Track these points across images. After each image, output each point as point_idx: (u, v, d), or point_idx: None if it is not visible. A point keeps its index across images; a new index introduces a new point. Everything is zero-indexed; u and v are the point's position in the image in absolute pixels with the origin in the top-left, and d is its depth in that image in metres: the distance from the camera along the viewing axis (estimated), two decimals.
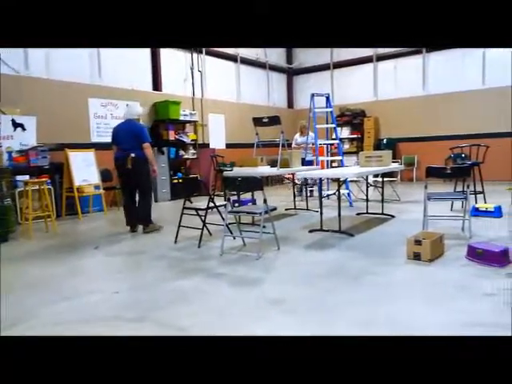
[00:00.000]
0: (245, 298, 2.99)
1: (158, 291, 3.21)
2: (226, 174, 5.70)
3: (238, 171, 5.67)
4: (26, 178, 6.51)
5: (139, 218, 5.59)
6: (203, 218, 4.75)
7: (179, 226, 4.91)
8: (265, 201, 4.22)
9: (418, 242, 3.65)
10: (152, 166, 5.54)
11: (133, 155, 5.28)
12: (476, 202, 6.07)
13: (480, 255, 3.55)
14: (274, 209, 4.46)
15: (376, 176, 8.15)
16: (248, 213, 4.42)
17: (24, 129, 7.29)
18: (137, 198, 5.66)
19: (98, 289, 3.30)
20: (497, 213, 5.52)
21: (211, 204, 4.69)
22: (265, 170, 5.75)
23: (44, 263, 4.19)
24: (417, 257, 3.66)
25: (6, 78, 7.10)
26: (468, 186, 4.69)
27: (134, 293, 3.21)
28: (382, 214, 6.08)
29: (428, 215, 4.56)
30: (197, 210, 4.93)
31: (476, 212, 5.59)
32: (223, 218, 4.53)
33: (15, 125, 7.15)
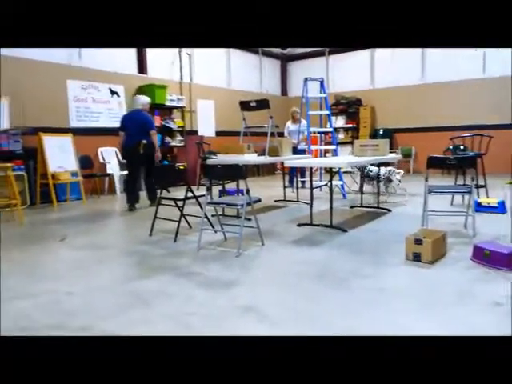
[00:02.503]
0: (213, 303, 2.54)
1: (116, 293, 2.76)
2: (209, 161, 5.26)
3: (222, 159, 5.21)
4: None
5: (150, 195, 6.32)
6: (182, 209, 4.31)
7: (155, 217, 4.46)
8: (247, 191, 3.78)
9: (418, 241, 3.23)
10: (156, 152, 6.14)
11: (144, 141, 5.96)
12: (478, 197, 5.66)
13: (487, 257, 3.13)
14: (258, 200, 4.02)
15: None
16: (228, 204, 3.97)
17: None
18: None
19: (49, 289, 2.85)
20: (501, 208, 5.11)
21: (190, 194, 4.25)
22: (251, 158, 5.29)
23: None
24: (416, 257, 3.23)
25: None
26: (473, 179, 4.26)
27: (87, 295, 2.75)
28: (378, 207, 5.66)
29: (428, 210, 4.14)
30: (175, 200, 4.48)
31: (478, 207, 5.17)
32: (202, 209, 4.08)
33: None
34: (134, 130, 6.03)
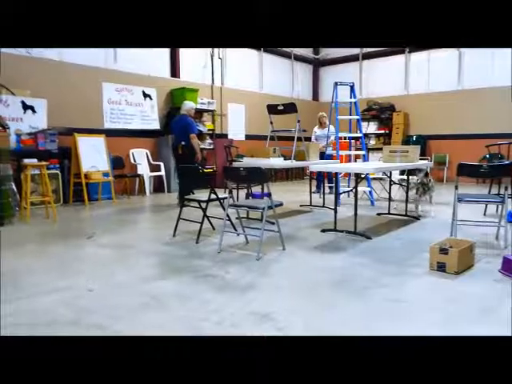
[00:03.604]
0: (228, 308, 2.53)
1: (133, 293, 2.80)
2: (235, 164, 5.28)
3: (247, 162, 5.23)
4: (34, 161, 6.27)
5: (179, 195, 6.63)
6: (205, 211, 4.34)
7: (178, 218, 4.52)
8: (269, 195, 3.76)
9: (443, 251, 3.11)
10: (195, 154, 6.52)
11: (183, 143, 6.50)
12: None
13: None
14: (280, 204, 3.99)
15: (402, 173, 7.54)
16: (249, 207, 3.97)
17: (34, 111, 7.09)
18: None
19: (72, 285, 2.93)
20: None
21: (213, 196, 4.28)
22: (277, 161, 5.27)
23: (25, 252, 3.88)
24: (441, 268, 3.11)
25: (16, 59, 6.89)
26: (506, 188, 4.07)
27: (106, 293, 2.81)
28: (406, 215, 5.51)
29: (457, 219, 3.98)
30: (198, 201, 4.52)
31: None
32: (224, 210, 4.09)
33: (25, 107, 6.95)
34: (177, 133, 6.71)
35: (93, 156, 7.25)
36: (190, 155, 6.45)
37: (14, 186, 5.70)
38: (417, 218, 5.39)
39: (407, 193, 5.70)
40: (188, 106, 6.84)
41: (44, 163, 5.63)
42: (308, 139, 7.55)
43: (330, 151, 7.42)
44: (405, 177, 7.13)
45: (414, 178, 6.03)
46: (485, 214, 5.50)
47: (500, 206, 4.13)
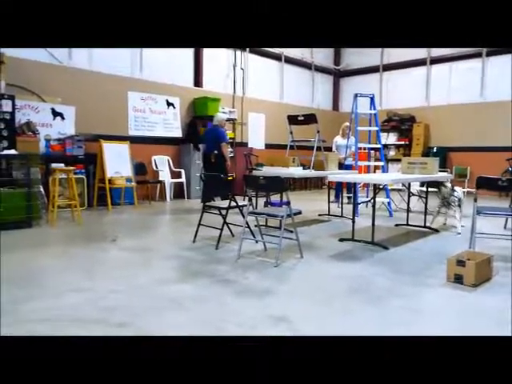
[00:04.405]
0: (246, 311, 2.62)
1: (154, 294, 2.92)
2: (255, 173, 5.39)
3: (266, 170, 5.32)
4: (62, 166, 6.51)
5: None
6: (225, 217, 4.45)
7: (199, 224, 4.64)
8: (288, 203, 3.84)
9: (460, 263, 3.12)
10: (226, 161, 6.90)
11: (215, 152, 6.82)
12: None
13: None
14: (299, 213, 4.06)
15: (422, 185, 7.51)
16: (268, 215, 4.05)
17: (63, 118, 7.36)
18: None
19: (92, 287, 3.06)
20: None
21: (233, 203, 4.39)
22: (295, 171, 5.35)
23: (50, 253, 4.06)
24: (458, 280, 3.13)
25: (49, 68, 7.21)
26: None
27: (126, 294, 2.93)
28: (424, 227, 5.50)
29: (476, 232, 3.98)
30: (219, 208, 4.63)
31: None
32: (243, 217, 4.19)
33: (55, 114, 7.23)
34: (209, 143, 7.09)
35: (117, 162, 7.47)
36: (220, 163, 6.80)
37: (42, 189, 5.94)
38: (436, 230, 5.38)
39: (426, 204, 5.69)
40: (220, 117, 7.26)
41: (71, 168, 5.85)
42: (327, 149, 7.61)
43: (349, 161, 7.46)
44: (424, 188, 7.10)
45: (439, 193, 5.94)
46: (505, 228, 5.45)
47: None
